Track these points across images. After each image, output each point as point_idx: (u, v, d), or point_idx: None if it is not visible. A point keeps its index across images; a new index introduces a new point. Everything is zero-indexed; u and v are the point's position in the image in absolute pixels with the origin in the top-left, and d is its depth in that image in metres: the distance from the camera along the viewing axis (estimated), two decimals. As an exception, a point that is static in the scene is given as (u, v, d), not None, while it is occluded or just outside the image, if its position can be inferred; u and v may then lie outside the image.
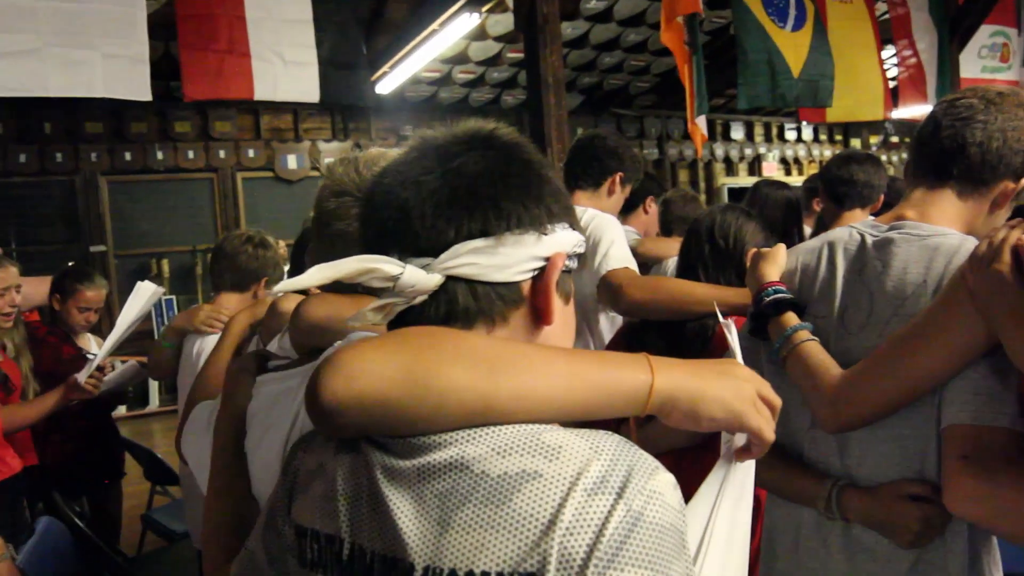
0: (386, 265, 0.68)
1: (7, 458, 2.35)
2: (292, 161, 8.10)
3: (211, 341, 2.12)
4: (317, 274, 0.68)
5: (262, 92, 4.07)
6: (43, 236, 7.28)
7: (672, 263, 2.49)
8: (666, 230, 3.15)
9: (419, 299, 0.70)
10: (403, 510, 0.64)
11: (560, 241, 0.73)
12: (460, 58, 7.49)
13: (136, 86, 3.72)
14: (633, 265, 2.03)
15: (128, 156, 7.56)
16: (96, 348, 3.17)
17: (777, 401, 0.76)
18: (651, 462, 0.63)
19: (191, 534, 2.55)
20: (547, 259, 0.72)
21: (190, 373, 2.21)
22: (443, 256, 0.68)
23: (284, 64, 4.14)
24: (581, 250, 0.78)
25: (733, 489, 0.80)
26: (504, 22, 6.67)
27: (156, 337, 6.29)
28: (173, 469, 3.40)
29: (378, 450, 0.68)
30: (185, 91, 3.97)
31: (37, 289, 3.23)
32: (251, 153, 7.97)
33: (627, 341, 1.91)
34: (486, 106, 8.65)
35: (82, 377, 2.55)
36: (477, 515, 0.60)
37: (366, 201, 0.77)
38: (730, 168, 10.52)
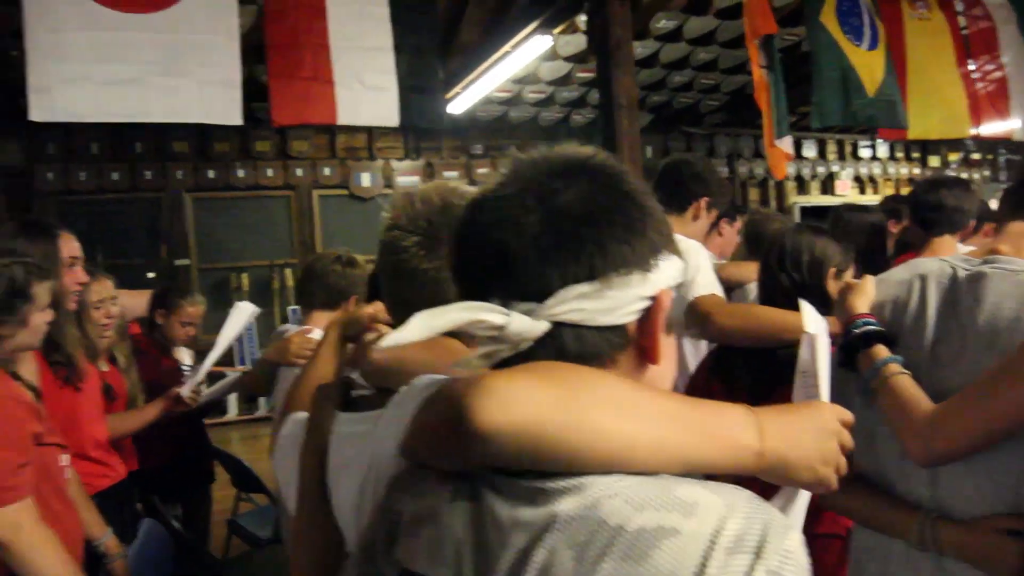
0: (492, 315, 0.67)
1: (114, 464, 2.51)
2: (366, 179, 8.34)
3: None
4: (420, 326, 0.67)
5: (345, 117, 4.24)
6: (130, 250, 7.66)
7: (753, 287, 2.50)
8: (752, 251, 3.13)
9: (524, 345, 0.69)
10: (534, 560, 0.62)
11: (665, 276, 0.73)
12: (530, 78, 7.60)
13: (229, 111, 3.93)
14: (719, 291, 2.05)
15: (211, 174, 7.90)
16: (189, 360, 3.35)
17: (850, 444, 0.79)
18: (782, 520, 0.63)
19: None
20: (653, 298, 0.72)
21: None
22: (549, 302, 0.68)
23: (365, 90, 4.30)
24: (683, 278, 0.77)
25: (794, 518, 0.84)
26: (575, 43, 6.75)
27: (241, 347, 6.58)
28: (259, 477, 3.55)
29: (499, 495, 0.66)
30: (273, 117, 4.15)
31: (135, 302, 3.43)
32: (327, 171, 8.23)
33: (714, 368, 1.94)
34: (555, 125, 8.74)
35: (185, 391, 2.71)
36: (617, 571, 0.59)
37: (458, 239, 0.75)
38: (802, 186, 10.35)
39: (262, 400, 7.22)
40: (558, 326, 0.68)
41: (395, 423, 0.83)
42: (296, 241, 8.13)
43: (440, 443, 0.67)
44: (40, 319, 1.85)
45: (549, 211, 0.69)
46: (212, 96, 3.92)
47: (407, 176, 8.47)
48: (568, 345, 0.69)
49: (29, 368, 1.97)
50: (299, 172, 8.14)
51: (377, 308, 1.45)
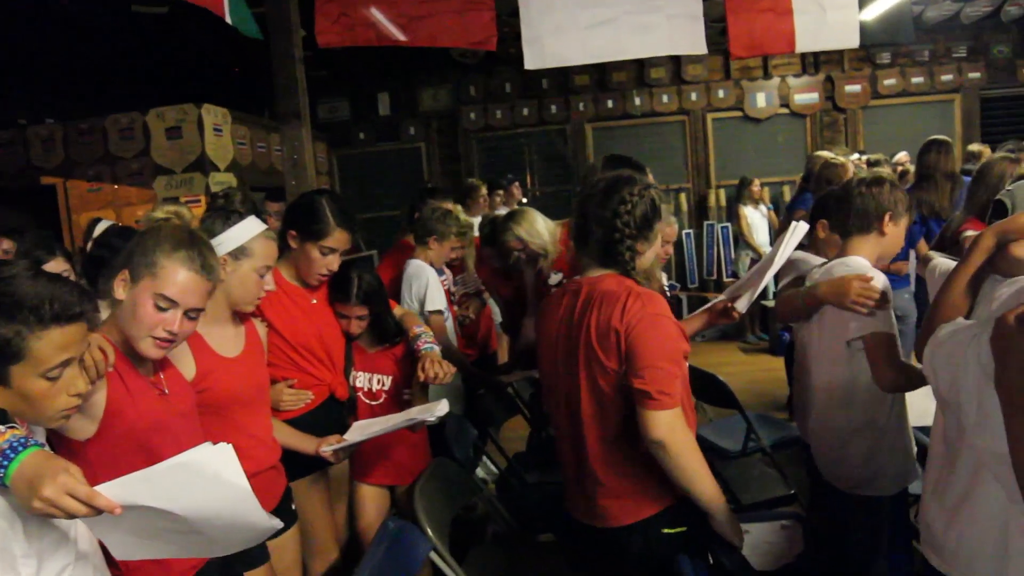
0: None
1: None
2: (761, 99, 8.14)
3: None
4: None
5: (803, 44, 4.16)
6: (542, 178, 8.41)
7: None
8: None
9: None
10: None
11: None
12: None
13: (695, 41, 4.08)
14: None
15: (610, 104, 8.30)
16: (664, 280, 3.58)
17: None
18: None
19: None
20: None
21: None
22: None
23: (824, 13, 4.16)
24: None
25: None
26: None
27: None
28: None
29: None
30: (731, 50, 4.23)
31: None
32: (720, 94, 8.18)
33: None
34: (980, 21, 7.67)
35: (742, 305, 2.62)
36: None
37: None
38: None
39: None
40: None
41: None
42: (690, 165, 8.28)
43: None
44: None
45: None
46: (679, 28, 4.08)
47: (805, 93, 8.10)
48: None
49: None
50: (693, 96, 8.20)
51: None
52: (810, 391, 2.39)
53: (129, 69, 7.01)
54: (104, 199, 6.09)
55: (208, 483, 1.18)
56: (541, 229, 3.31)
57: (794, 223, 2.52)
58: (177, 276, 1.59)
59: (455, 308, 3.73)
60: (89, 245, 2.82)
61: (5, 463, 1.08)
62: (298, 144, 3.99)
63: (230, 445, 1.19)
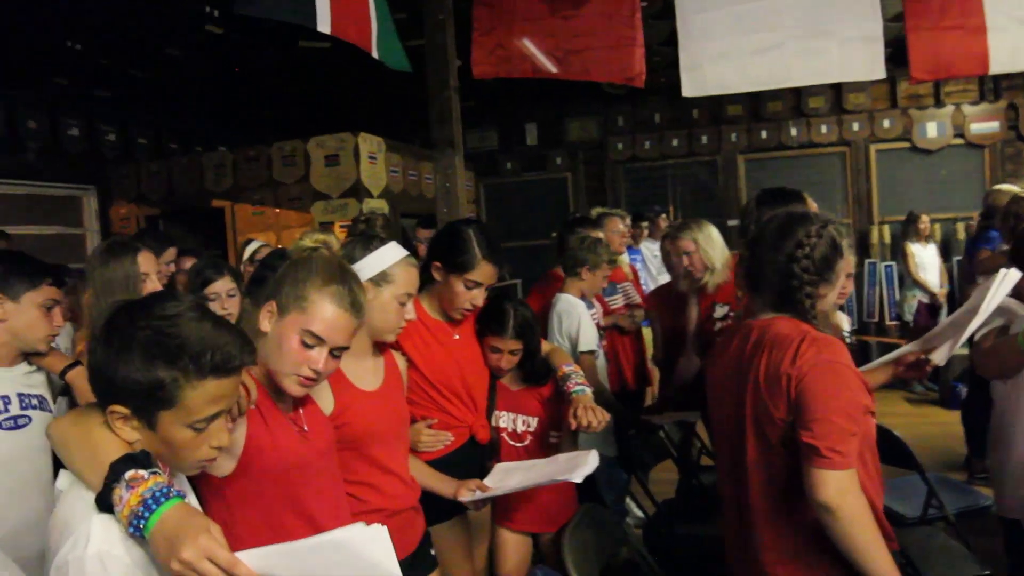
0: None
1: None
2: (931, 129, 7.55)
3: None
4: None
5: (998, 65, 3.77)
6: (689, 211, 8.16)
7: None
8: None
9: None
10: None
11: None
12: None
13: (872, 66, 3.78)
14: None
15: (764, 134, 7.96)
16: (847, 325, 3.31)
17: None
18: None
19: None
20: None
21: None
22: None
23: (1022, 28, 3.76)
24: None
25: None
26: None
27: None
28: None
29: None
30: (912, 72, 3.89)
31: None
32: (886, 123, 7.66)
33: None
34: None
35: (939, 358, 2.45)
36: None
37: None
38: None
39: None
40: None
41: None
42: (850, 199, 7.78)
43: None
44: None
45: None
46: (852, 53, 3.81)
47: (983, 122, 7.44)
48: None
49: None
50: (855, 126, 7.72)
51: None
52: (1014, 460, 2.09)
53: (293, 99, 7.42)
54: (267, 222, 6.42)
55: (358, 566, 1.08)
56: (716, 241, 3.15)
57: (1003, 270, 2.26)
58: (326, 313, 1.52)
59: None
60: (249, 265, 2.91)
61: (147, 514, 1.03)
62: (451, 172, 4.02)
63: (385, 527, 1.09)
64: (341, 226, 5.77)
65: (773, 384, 1.67)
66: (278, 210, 6.39)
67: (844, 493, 1.57)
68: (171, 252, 3.51)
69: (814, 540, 1.65)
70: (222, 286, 2.62)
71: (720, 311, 3.09)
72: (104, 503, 1.06)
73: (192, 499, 1.34)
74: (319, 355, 1.52)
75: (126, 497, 1.04)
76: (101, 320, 1.13)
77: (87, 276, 2.29)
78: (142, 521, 1.03)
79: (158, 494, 1.04)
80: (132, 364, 1.09)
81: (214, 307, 2.36)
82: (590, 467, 1.98)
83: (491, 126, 8.74)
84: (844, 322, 3.42)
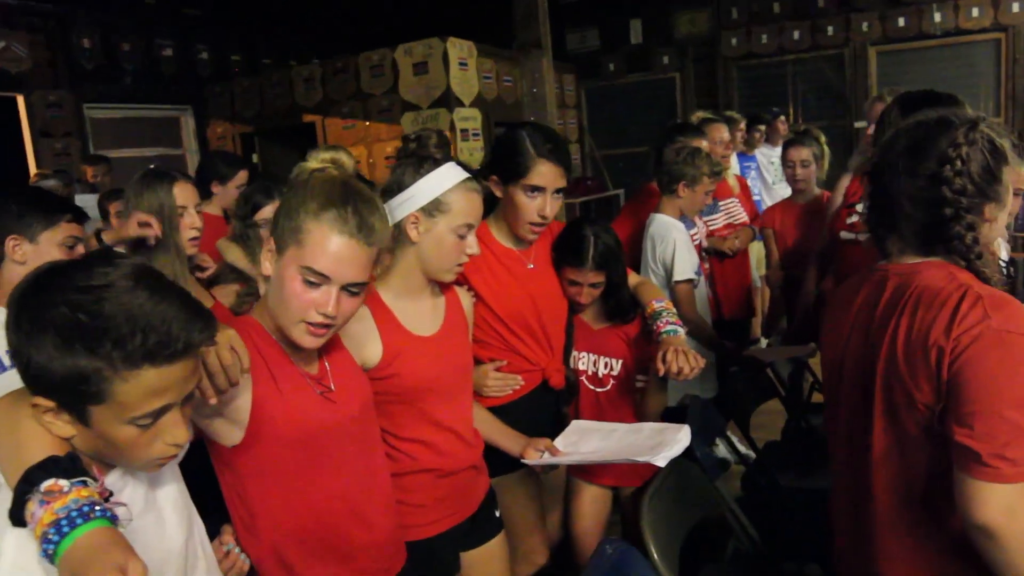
0: None
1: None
2: (1110, 7, 6.44)
3: None
4: None
5: None
6: (812, 112, 7.40)
7: None
8: None
9: None
10: None
11: None
12: None
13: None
14: None
15: (901, 22, 7.03)
16: (1004, 254, 2.80)
17: None
18: None
19: None
20: None
21: None
22: None
23: None
24: None
25: None
26: None
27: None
28: None
29: None
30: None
31: None
32: (1053, 3, 6.59)
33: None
34: None
35: None
36: None
37: None
38: None
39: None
40: None
41: None
42: (1003, 95, 6.81)
43: None
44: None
45: None
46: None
47: None
48: None
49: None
50: (1015, 7, 6.67)
51: None
52: None
53: (380, 4, 7.10)
54: (357, 135, 6.24)
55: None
56: None
57: None
58: (327, 243, 1.24)
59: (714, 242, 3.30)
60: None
61: (57, 539, 0.81)
62: (538, 76, 3.67)
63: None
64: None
65: (917, 358, 1.23)
66: (368, 123, 6.19)
67: (1012, 513, 1.15)
68: (243, 175, 3.35)
69: (960, 564, 1.26)
70: (270, 211, 2.39)
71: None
72: (16, 518, 0.85)
73: (180, 487, 1.14)
74: (326, 296, 1.26)
75: (38, 514, 0.82)
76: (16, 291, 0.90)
77: (126, 208, 2.12)
78: (51, 546, 0.82)
79: (74, 514, 0.82)
80: (45, 351, 0.85)
81: (264, 235, 2.14)
82: (678, 449, 1.67)
83: (591, 24, 8.15)
84: (1002, 250, 2.88)
